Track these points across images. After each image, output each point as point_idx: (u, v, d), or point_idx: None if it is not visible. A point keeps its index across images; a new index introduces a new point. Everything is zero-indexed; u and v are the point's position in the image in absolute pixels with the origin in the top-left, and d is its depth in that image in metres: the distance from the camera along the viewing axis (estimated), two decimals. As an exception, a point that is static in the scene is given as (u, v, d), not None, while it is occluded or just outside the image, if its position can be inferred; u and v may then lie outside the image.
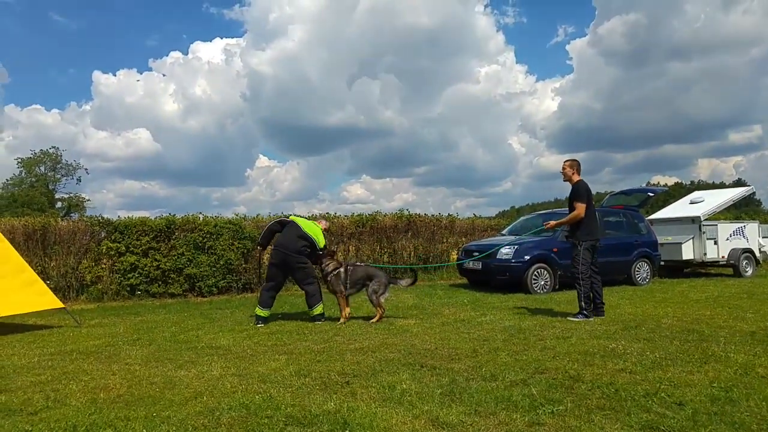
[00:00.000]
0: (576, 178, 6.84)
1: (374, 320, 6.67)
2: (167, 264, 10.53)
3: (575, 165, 6.91)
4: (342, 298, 6.86)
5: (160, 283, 10.53)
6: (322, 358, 4.76)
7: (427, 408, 3.30)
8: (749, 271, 12.69)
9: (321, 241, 7.04)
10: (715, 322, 6.11)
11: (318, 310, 6.93)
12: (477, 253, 10.27)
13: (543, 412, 3.17)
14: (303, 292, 7.16)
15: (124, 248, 10.41)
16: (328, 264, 6.96)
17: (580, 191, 6.68)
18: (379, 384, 3.85)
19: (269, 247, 7.45)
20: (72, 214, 44.73)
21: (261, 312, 6.86)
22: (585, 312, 6.48)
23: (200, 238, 10.72)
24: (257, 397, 3.62)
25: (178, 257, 10.58)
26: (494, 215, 20.32)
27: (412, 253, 13.35)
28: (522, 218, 12.75)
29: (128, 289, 10.42)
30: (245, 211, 12.20)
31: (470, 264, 10.39)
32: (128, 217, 11.00)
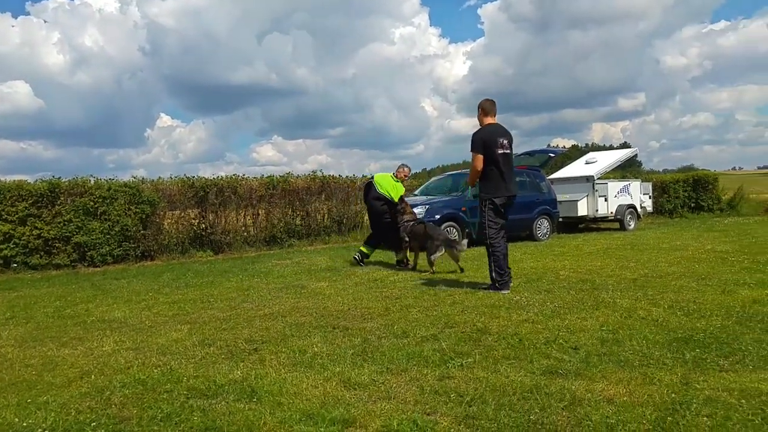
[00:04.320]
0: (486, 121, 5.72)
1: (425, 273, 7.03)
2: (51, 232, 9.59)
3: (483, 106, 5.77)
4: (405, 249, 7.77)
5: (42, 253, 9.61)
6: (228, 326, 4.56)
7: (339, 369, 3.25)
8: (632, 224, 13.87)
9: (395, 196, 7.80)
10: (605, 271, 6.58)
11: (398, 256, 8.02)
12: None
13: (452, 366, 3.23)
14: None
15: (-6, 216, 9.29)
16: (402, 217, 7.73)
17: (473, 139, 5.62)
18: (289, 349, 3.75)
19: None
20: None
21: (364, 248, 8.25)
22: (497, 284, 5.54)
23: (91, 203, 9.83)
24: (155, 371, 3.38)
25: (64, 224, 9.65)
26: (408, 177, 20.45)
27: (326, 215, 13.20)
28: (433, 179, 12.98)
29: (1, 261, 9.40)
30: (145, 174, 11.40)
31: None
32: (1, 181, 9.78)
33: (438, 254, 7.06)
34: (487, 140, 5.54)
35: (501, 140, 5.56)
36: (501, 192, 5.60)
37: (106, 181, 10.39)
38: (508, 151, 5.64)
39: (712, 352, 3.25)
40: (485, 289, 5.64)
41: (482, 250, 6.92)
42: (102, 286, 7.39)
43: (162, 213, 10.89)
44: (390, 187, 7.85)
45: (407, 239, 7.55)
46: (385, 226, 8.04)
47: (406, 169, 8.33)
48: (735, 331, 3.67)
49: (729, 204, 18.77)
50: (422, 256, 7.43)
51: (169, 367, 3.46)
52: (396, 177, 8.08)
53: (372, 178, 8.35)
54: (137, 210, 10.19)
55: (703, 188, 18.28)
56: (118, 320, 5.05)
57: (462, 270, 7.01)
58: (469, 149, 5.66)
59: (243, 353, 3.73)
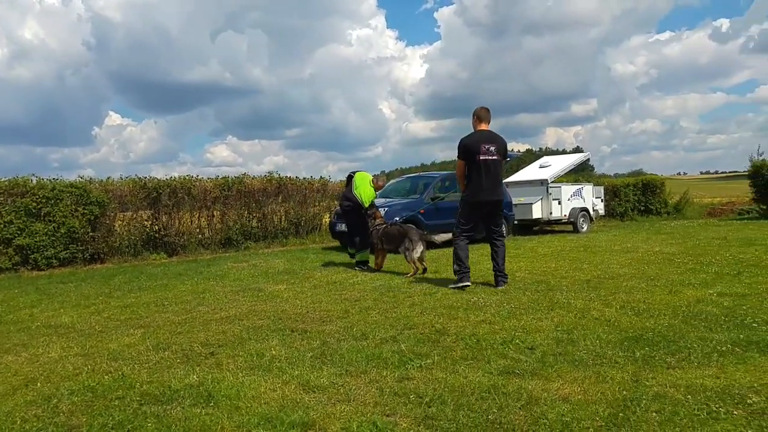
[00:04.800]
0: (479, 127, 5.93)
1: (408, 275, 6.93)
2: (-10, 234, 9.09)
3: (477, 114, 5.97)
4: (377, 251, 7.68)
5: (-22, 257, 9.08)
6: (183, 330, 4.44)
7: (298, 372, 3.22)
8: (585, 227, 14.30)
9: (366, 201, 7.82)
10: (559, 273, 6.75)
11: (358, 257, 7.96)
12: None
13: (412, 367, 3.25)
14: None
15: None
16: (372, 222, 7.74)
17: (458, 145, 5.88)
18: (246, 352, 3.68)
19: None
20: None
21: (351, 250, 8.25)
22: (456, 277, 5.91)
23: (33, 204, 9.37)
24: (106, 377, 3.26)
25: (4, 226, 9.16)
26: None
27: (283, 217, 13.04)
28: (391, 181, 13.03)
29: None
30: (93, 174, 10.91)
31: (342, 226, 10.40)
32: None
33: (419, 250, 7.05)
34: (469, 146, 5.77)
35: (485, 146, 5.73)
36: (476, 196, 5.81)
37: (50, 180, 9.92)
38: (495, 157, 5.78)
39: (661, 350, 3.38)
40: (452, 286, 5.86)
41: (442, 251, 7.01)
42: (47, 290, 7.07)
43: (112, 214, 10.52)
44: (364, 192, 7.86)
45: (379, 244, 7.54)
46: (350, 227, 8.16)
47: (382, 180, 8.56)
48: (681, 330, 3.83)
49: (675, 207, 19.65)
50: (393, 257, 7.39)
51: (120, 372, 3.34)
52: (373, 183, 8.09)
53: (354, 173, 8.30)
54: (85, 211, 9.78)
55: (652, 192, 19.05)
56: (65, 325, 4.84)
57: (425, 270, 7.08)
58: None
59: (199, 357, 3.64)
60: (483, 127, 5.93)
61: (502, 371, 3.13)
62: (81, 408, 2.81)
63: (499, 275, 5.89)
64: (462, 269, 5.82)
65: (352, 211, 8.01)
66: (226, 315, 4.96)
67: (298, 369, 3.28)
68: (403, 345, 3.70)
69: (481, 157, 5.70)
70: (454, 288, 5.78)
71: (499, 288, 5.75)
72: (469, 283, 5.81)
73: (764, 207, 16.97)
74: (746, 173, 17.93)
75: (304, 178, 13.74)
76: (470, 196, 5.84)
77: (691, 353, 3.30)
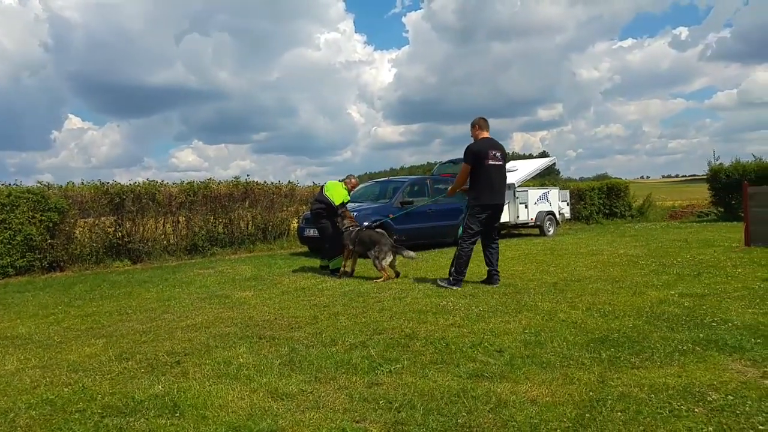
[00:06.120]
0: (481, 135, 6.28)
1: (379, 280, 6.96)
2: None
3: (476, 123, 6.34)
4: (348, 253, 7.56)
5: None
6: (147, 339, 4.33)
7: (266, 380, 3.17)
8: (551, 230, 14.54)
9: (336, 200, 7.76)
10: (526, 276, 6.85)
11: (332, 265, 7.86)
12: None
13: (381, 372, 3.24)
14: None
15: None
16: (342, 222, 7.64)
17: (465, 151, 6.18)
18: (213, 360, 3.61)
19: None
20: None
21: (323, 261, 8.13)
22: (451, 278, 6.14)
23: (-12, 211, 9.02)
24: (66, 389, 3.15)
25: (-43, 234, 8.79)
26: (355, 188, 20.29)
27: (250, 222, 12.86)
28: (361, 186, 12.98)
29: None
30: (52, 180, 10.46)
31: (311, 231, 10.33)
32: None
33: (389, 259, 7.06)
34: (479, 152, 6.11)
35: (493, 152, 6.13)
36: (486, 199, 6.16)
37: (6, 186, 9.56)
38: (500, 163, 6.21)
39: (625, 351, 3.45)
40: (440, 282, 6.25)
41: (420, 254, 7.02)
42: (3, 300, 6.79)
43: (72, 221, 10.17)
44: (336, 192, 7.84)
45: (351, 246, 7.46)
46: (321, 229, 8.07)
47: (354, 179, 8.49)
48: (645, 330, 3.92)
49: (639, 210, 20.17)
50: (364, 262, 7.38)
51: (81, 384, 3.23)
52: (345, 185, 8.10)
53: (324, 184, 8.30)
54: (43, 218, 9.44)
55: (616, 196, 19.51)
56: (22, 336, 4.66)
57: (397, 275, 7.12)
58: (462, 160, 6.27)
59: (164, 366, 3.54)
60: (485, 135, 6.31)
61: (471, 374, 3.14)
62: (39, 422, 2.70)
63: (495, 274, 6.29)
64: (459, 276, 6.13)
65: (323, 213, 7.92)
66: (192, 323, 4.86)
67: (266, 376, 3.23)
68: (372, 350, 3.68)
69: (489, 162, 6.07)
70: (442, 285, 6.16)
71: (495, 285, 6.12)
72: (460, 288, 6.05)
73: (722, 210, 17.60)
74: (705, 177, 18.59)
75: (272, 183, 13.58)
76: (482, 200, 6.14)
77: (654, 353, 3.38)
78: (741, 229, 9.34)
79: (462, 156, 6.30)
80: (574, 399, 2.72)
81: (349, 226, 7.58)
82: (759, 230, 8.64)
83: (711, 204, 18.67)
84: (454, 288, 6.00)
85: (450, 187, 7.03)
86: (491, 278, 6.29)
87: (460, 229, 6.35)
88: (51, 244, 9.61)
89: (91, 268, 10.01)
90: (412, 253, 7.11)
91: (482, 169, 6.07)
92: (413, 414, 2.61)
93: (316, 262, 9.22)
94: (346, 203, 7.92)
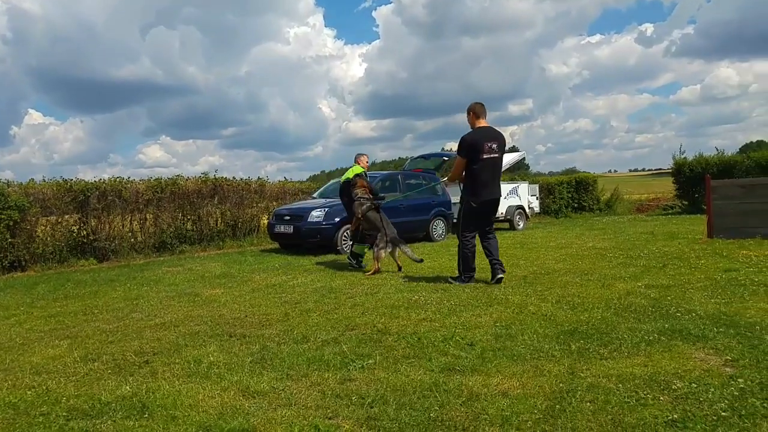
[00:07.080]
0: (477, 123, 5.81)
1: (368, 273, 6.93)
2: None
3: (473, 110, 5.83)
4: (356, 222, 7.50)
5: None
6: (115, 339, 4.23)
7: (237, 378, 3.13)
8: (521, 224, 14.72)
9: (349, 176, 7.84)
10: (498, 270, 6.91)
11: (355, 247, 7.77)
12: (288, 218, 10.15)
13: (354, 368, 3.23)
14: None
15: None
16: (354, 191, 7.54)
17: (459, 143, 5.79)
18: (183, 359, 3.55)
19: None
20: None
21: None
22: (462, 276, 5.94)
23: (-55, 209, 8.66)
24: (29, 392, 3.05)
25: None
26: (306, 179, 20.23)
27: (220, 219, 12.67)
28: (332, 181, 12.92)
29: None
30: (12, 177, 10.11)
31: (281, 228, 10.24)
32: None
33: (388, 250, 7.05)
34: (473, 144, 5.67)
35: (489, 144, 5.68)
36: (479, 196, 5.77)
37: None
38: (496, 155, 5.74)
39: (594, 342, 3.52)
40: (451, 280, 6.02)
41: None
42: (-39, 301, 6.54)
43: (34, 219, 9.83)
44: (350, 173, 7.94)
45: (360, 216, 7.39)
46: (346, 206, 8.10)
47: (363, 157, 8.37)
48: (613, 322, 4.00)
49: (607, 204, 20.59)
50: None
51: (45, 387, 3.14)
52: (357, 162, 8.17)
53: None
54: (2, 216, 9.11)
55: (585, 189, 19.88)
56: (-19, 339, 4.49)
57: (400, 269, 7.20)
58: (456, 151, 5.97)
59: (132, 367, 3.47)
60: (482, 123, 5.83)
61: (443, 368, 3.16)
62: (2, 426, 2.61)
63: (496, 264, 5.87)
64: (469, 272, 5.93)
65: (342, 192, 8.07)
66: (161, 321, 4.77)
67: (237, 375, 3.19)
68: (344, 346, 3.67)
69: (485, 156, 5.66)
70: (453, 281, 5.96)
71: (498, 276, 5.79)
72: (471, 283, 5.86)
73: (686, 203, 18.11)
74: (670, 171, 19.08)
75: (241, 179, 13.41)
76: (477, 196, 5.76)
77: (622, 344, 3.46)
78: (704, 222, 9.61)
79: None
80: (544, 391, 2.75)
81: (361, 196, 7.51)
82: (721, 222, 8.92)
83: (676, 197, 19.17)
84: (465, 284, 5.82)
85: (449, 177, 6.83)
86: (494, 272, 5.84)
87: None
88: (11, 243, 9.28)
89: (54, 267, 9.71)
90: (412, 253, 7.15)
91: (477, 163, 5.66)
92: (386, 409, 2.61)
93: (287, 259, 9.16)
94: (360, 174, 7.83)
